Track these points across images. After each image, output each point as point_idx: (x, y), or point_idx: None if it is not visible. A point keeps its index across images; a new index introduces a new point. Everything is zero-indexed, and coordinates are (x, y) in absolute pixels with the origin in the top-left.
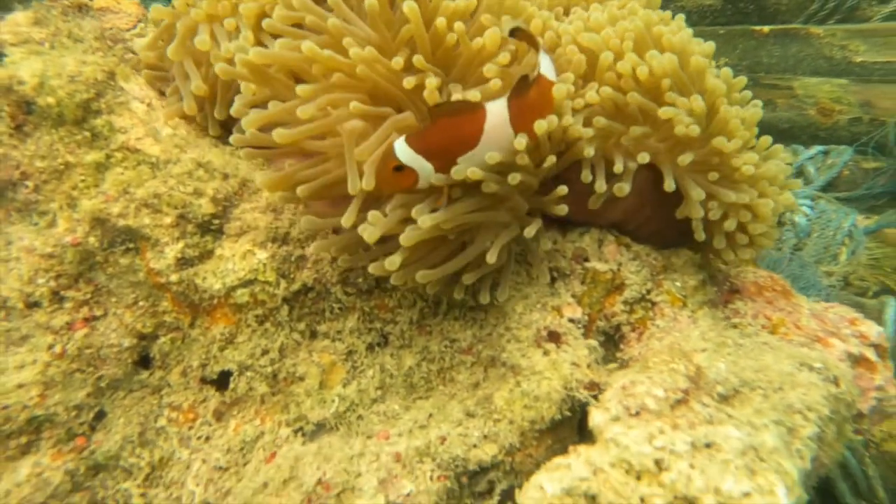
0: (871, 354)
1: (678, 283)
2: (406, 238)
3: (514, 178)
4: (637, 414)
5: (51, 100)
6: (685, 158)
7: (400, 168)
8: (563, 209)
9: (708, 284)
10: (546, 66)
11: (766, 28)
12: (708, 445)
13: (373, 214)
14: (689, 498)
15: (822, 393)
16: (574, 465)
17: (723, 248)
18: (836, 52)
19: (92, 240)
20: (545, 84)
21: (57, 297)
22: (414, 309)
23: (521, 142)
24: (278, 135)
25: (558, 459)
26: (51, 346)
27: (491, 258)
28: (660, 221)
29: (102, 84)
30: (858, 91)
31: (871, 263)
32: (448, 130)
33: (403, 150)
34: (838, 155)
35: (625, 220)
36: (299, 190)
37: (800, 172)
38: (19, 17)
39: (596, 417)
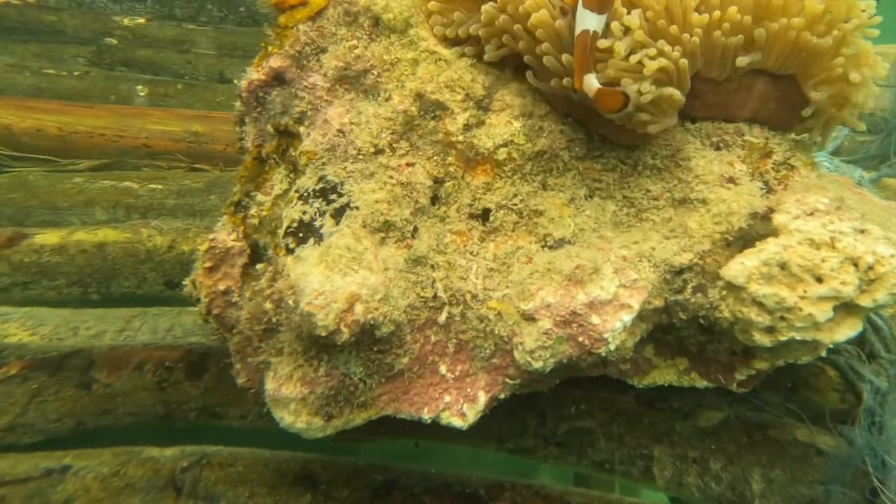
0: None
1: (806, 157)
2: None
3: None
4: (811, 214)
5: (390, 16)
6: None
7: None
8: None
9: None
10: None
11: None
12: (862, 231)
13: None
14: (854, 257)
15: None
16: (766, 248)
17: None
18: None
19: (413, 109)
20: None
21: (392, 148)
22: (615, 171)
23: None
24: None
25: (749, 249)
26: (390, 178)
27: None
28: (782, 113)
29: (411, 9)
30: None
31: None
32: None
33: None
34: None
35: (755, 116)
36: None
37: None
38: None
39: (779, 218)
